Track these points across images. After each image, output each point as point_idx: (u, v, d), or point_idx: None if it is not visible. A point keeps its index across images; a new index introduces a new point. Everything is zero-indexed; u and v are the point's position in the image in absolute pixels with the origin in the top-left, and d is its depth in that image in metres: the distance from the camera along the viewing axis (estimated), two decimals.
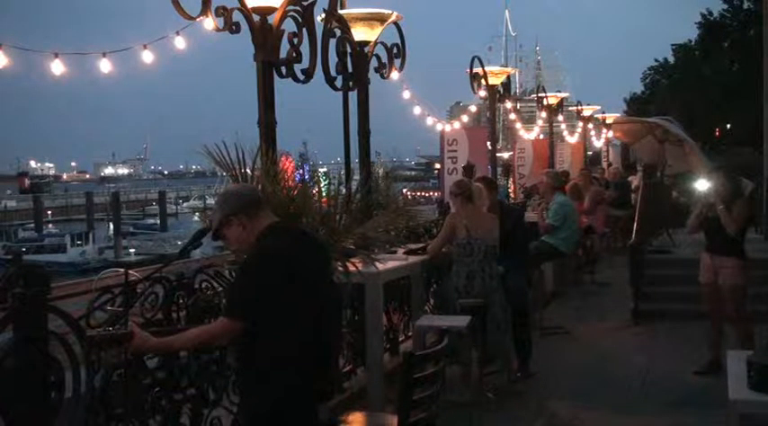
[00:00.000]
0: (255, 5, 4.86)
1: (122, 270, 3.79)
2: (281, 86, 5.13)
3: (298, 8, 5.19)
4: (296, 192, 4.60)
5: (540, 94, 14.99)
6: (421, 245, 6.66)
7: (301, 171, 4.79)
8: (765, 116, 12.47)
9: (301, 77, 5.38)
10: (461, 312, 5.80)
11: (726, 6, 33.74)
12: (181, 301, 4.14)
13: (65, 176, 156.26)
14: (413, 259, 6.28)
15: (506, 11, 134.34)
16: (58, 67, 4.80)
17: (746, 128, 24.67)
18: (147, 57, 5.09)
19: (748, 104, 20.64)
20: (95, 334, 2.97)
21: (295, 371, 2.97)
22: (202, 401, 4.18)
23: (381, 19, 6.34)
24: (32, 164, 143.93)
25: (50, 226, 58.14)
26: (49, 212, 64.31)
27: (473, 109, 14.06)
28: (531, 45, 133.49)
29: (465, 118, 11.68)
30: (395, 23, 6.61)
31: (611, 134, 19.85)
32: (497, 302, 6.03)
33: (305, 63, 5.36)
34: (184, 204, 74.18)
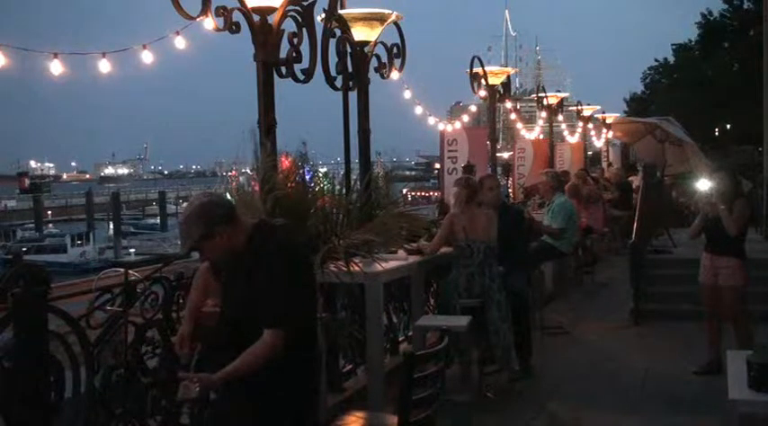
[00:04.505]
0: (255, 5, 4.86)
1: (122, 270, 3.80)
2: (282, 86, 5.13)
3: (298, 8, 5.18)
4: (296, 192, 4.60)
5: (540, 94, 14.98)
6: (415, 245, 6.58)
7: (302, 171, 4.77)
8: (765, 116, 12.48)
9: (301, 77, 5.38)
10: (461, 312, 5.81)
11: (726, 6, 33.83)
12: (181, 301, 4.14)
13: (65, 176, 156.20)
14: (413, 259, 6.27)
15: (506, 11, 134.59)
16: (57, 67, 4.79)
17: (746, 128, 24.67)
18: (147, 57, 5.08)
19: (748, 104, 20.64)
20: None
21: (306, 366, 3.04)
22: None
23: (381, 19, 6.32)
24: (32, 164, 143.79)
25: (50, 226, 58.13)
26: (49, 212, 64.29)
27: (473, 109, 14.03)
28: (532, 45, 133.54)
29: (465, 118, 11.66)
30: (395, 23, 6.60)
31: (611, 134, 19.84)
32: (497, 303, 6.02)
33: (305, 63, 5.36)
34: (184, 204, 74.04)
